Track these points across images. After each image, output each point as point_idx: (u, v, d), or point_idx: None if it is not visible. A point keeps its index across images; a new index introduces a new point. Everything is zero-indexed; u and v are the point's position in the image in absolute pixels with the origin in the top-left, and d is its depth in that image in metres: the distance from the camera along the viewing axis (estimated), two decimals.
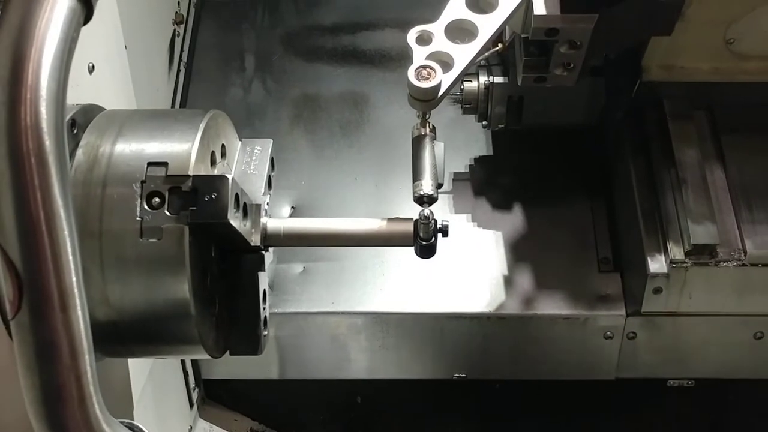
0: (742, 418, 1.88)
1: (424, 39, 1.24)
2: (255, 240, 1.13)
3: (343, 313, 1.70)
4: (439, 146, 1.23)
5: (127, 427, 0.92)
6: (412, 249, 1.19)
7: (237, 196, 1.05)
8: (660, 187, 1.61)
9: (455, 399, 1.89)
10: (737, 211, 1.57)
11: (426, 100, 1.20)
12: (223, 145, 1.15)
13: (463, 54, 1.24)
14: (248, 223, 1.11)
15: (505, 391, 1.86)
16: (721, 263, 1.52)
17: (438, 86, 1.18)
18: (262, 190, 1.17)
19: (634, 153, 1.67)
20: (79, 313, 0.79)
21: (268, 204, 1.18)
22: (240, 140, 1.22)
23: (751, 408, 1.86)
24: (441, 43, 1.24)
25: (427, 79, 1.18)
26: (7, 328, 0.97)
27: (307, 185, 1.84)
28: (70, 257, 0.78)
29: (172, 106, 1.83)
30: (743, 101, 1.65)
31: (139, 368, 1.44)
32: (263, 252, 1.16)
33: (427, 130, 1.22)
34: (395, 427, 1.95)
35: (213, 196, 1.00)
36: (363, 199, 1.83)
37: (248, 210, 1.11)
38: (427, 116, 1.23)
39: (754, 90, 1.62)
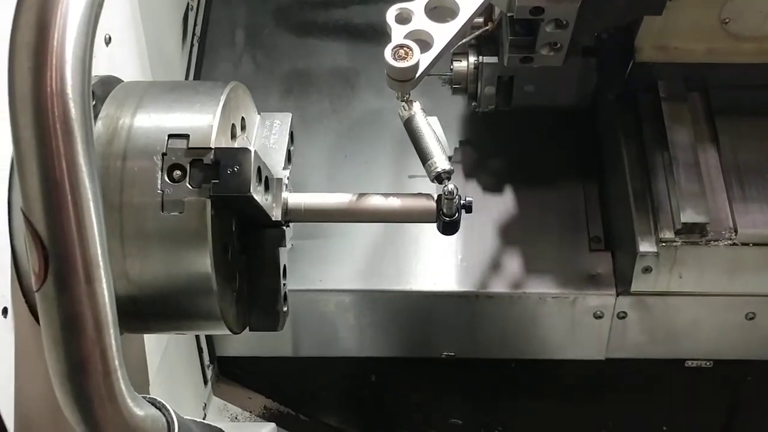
0: (738, 399, 1.87)
1: (403, 17, 1.20)
2: (276, 215, 1.12)
3: (330, 290, 1.69)
4: (433, 120, 1.20)
5: (149, 402, 0.91)
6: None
7: (259, 170, 1.03)
8: (652, 167, 1.59)
9: (458, 378, 1.88)
10: (729, 190, 1.55)
11: (404, 81, 1.16)
12: (243, 118, 1.13)
13: (443, 33, 1.19)
14: (269, 198, 1.09)
15: (495, 370, 1.85)
16: (712, 242, 1.51)
17: (416, 66, 1.14)
18: (282, 164, 1.15)
19: (627, 134, 1.65)
20: (104, 285, 0.78)
21: (288, 178, 1.16)
22: (259, 113, 1.20)
23: (756, 389, 1.85)
24: (421, 21, 1.19)
25: (405, 58, 1.14)
26: (28, 303, 0.96)
27: (295, 162, 1.80)
28: (96, 228, 0.77)
29: (186, 79, 1.81)
30: (739, 83, 1.62)
31: (154, 345, 1.43)
32: (284, 227, 1.15)
33: (415, 108, 1.19)
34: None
35: (235, 169, 0.99)
36: (352, 176, 1.80)
37: (270, 184, 1.09)
38: (408, 96, 1.19)
39: (750, 71, 1.60)
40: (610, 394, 1.88)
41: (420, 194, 1.17)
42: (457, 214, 1.15)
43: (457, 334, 1.77)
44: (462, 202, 1.15)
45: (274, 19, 1.99)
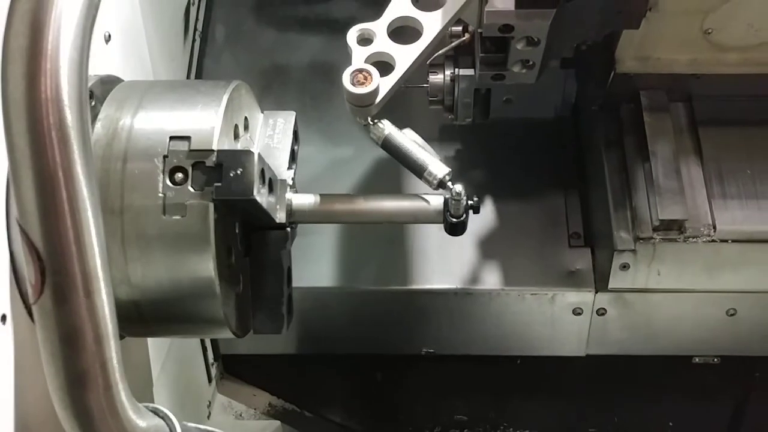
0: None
1: (365, 38, 1.15)
2: (280, 217, 1.10)
3: (310, 288, 1.66)
4: (408, 131, 1.16)
5: (152, 411, 0.90)
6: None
7: (263, 172, 1.01)
8: (631, 168, 1.57)
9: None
10: (708, 187, 1.53)
11: (363, 106, 1.12)
12: (245, 118, 1.11)
13: (406, 55, 1.14)
14: (273, 200, 1.08)
15: (476, 366, 1.82)
16: (690, 239, 1.49)
17: (375, 91, 1.10)
18: (286, 165, 1.13)
19: (608, 142, 1.63)
20: (104, 297, 0.76)
21: (292, 179, 1.14)
22: (262, 112, 1.18)
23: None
24: (383, 43, 1.14)
25: (363, 83, 1.10)
26: (27, 310, 0.94)
27: None
28: (94, 239, 0.75)
29: (188, 77, 1.78)
30: (722, 94, 1.59)
31: (158, 345, 1.41)
32: (288, 229, 1.13)
33: (386, 127, 1.15)
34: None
35: (238, 172, 0.97)
36: (333, 173, 1.76)
37: (273, 185, 1.07)
38: (371, 119, 1.15)
39: (734, 82, 1.57)
40: (590, 391, 1.84)
41: (428, 195, 1.15)
42: (464, 215, 1.13)
43: (436, 331, 1.74)
44: (470, 202, 1.13)
45: (260, 13, 1.95)
